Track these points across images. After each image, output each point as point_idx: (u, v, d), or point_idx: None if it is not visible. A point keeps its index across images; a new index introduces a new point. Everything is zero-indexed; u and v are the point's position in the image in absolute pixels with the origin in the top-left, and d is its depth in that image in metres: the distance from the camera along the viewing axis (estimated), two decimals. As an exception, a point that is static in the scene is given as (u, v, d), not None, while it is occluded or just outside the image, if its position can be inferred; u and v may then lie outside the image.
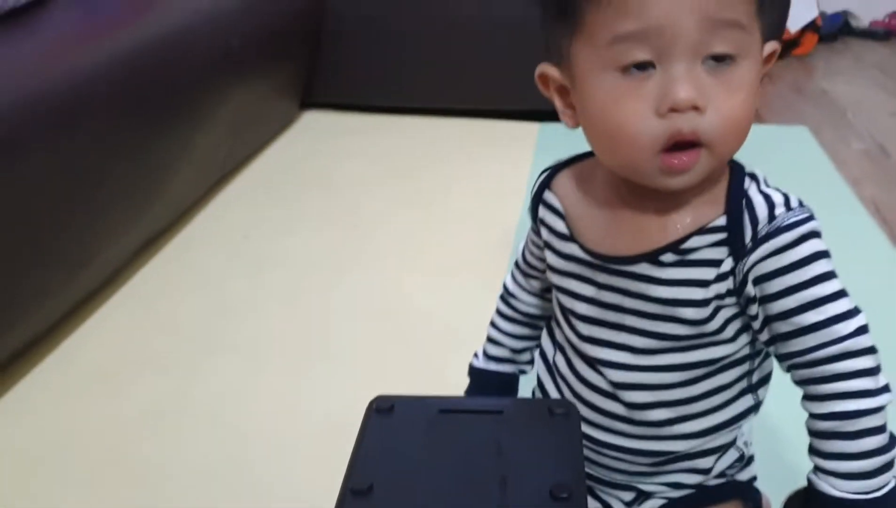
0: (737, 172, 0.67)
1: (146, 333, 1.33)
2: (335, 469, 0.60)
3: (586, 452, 0.76)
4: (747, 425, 0.78)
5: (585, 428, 0.73)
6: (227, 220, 1.71)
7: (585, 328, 0.72)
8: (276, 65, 2.05)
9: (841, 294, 0.65)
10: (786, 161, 2.02)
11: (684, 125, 0.60)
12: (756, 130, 1.85)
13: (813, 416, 0.67)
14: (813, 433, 0.67)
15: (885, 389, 0.65)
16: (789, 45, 3.02)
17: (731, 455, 0.77)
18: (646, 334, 0.69)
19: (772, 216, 0.64)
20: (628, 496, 0.78)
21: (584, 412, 0.74)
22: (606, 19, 0.59)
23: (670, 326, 0.68)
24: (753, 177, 0.68)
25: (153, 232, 1.53)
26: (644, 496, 0.78)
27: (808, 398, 0.67)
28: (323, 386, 1.18)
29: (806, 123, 2.32)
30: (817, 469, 0.67)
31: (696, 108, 0.59)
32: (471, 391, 0.86)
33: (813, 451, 0.67)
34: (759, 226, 0.64)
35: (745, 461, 0.80)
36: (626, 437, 0.74)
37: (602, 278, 0.70)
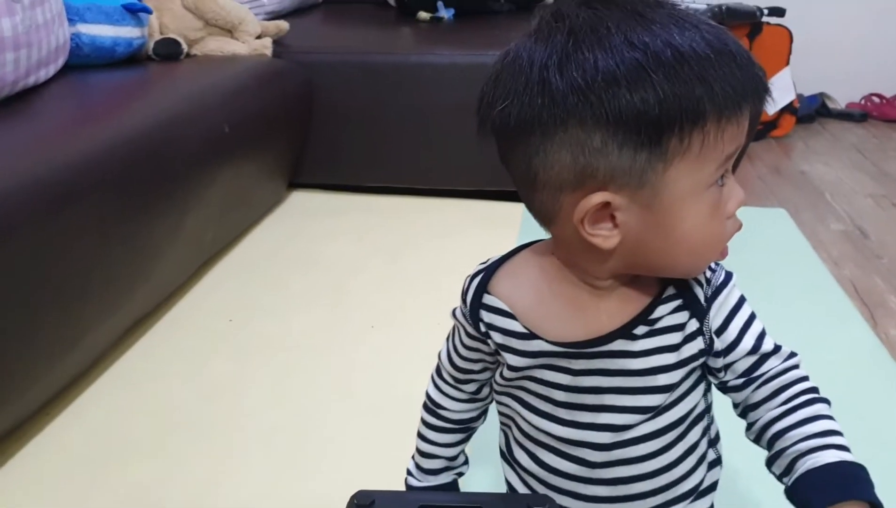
0: None
1: (131, 417, 1.32)
2: None
3: None
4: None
5: None
6: (213, 303, 1.72)
7: (566, 414, 0.74)
8: (266, 147, 2.08)
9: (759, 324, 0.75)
10: (765, 243, 2.06)
11: (738, 223, 0.70)
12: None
13: (793, 408, 0.72)
14: (794, 425, 0.71)
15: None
16: (768, 127, 3.10)
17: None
18: (626, 409, 0.72)
19: (707, 279, 0.72)
20: None
21: (564, 500, 0.75)
22: (724, 143, 0.63)
23: (648, 398, 0.72)
24: None
25: (139, 314, 1.54)
26: None
27: (783, 402, 0.72)
28: (308, 475, 1.18)
29: (785, 204, 2.36)
30: (813, 450, 0.69)
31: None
32: None
33: (801, 440, 0.70)
34: (705, 288, 0.72)
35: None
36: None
37: (579, 364, 0.72)
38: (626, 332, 0.70)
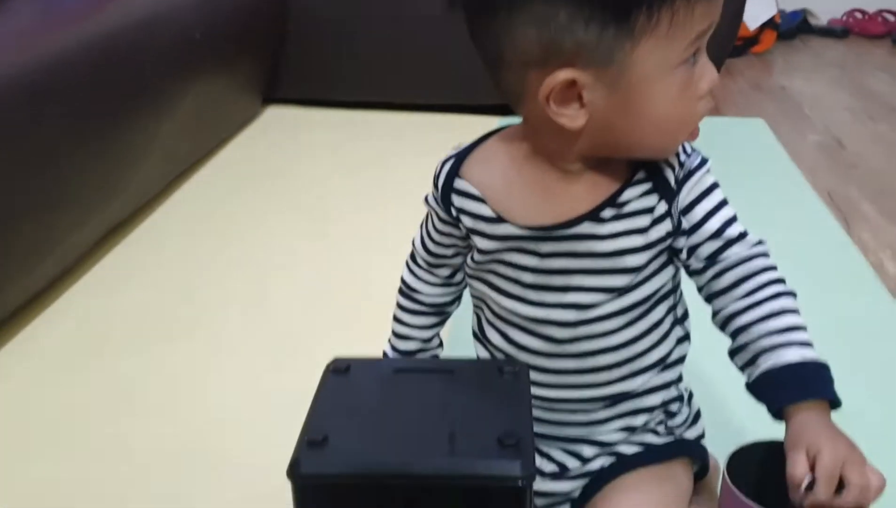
0: None
1: (109, 319, 1.33)
2: (283, 458, 0.61)
3: (539, 413, 0.78)
4: (685, 373, 0.83)
5: (536, 390, 0.75)
6: (190, 211, 1.71)
7: (533, 295, 0.75)
8: (239, 59, 2.05)
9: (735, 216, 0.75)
10: (742, 152, 2.06)
11: (711, 102, 0.70)
12: (713, 122, 1.92)
13: (758, 302, 0.71)
14: (759, 320, 0.71)
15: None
16: (749, 43, 3.08)
17: (671, 393, 0.80)
18: (592, 289, 0.73)
19: (679, 160, 0.72)
20: (589, 451, 0.80)
21: (533, 375, 0.76)
22: (693, 20, 0.63)
23: (615, 278, 0.72)
24: None
25: (117, 220, 1.53)
26: (601, 446, 0.80)
27: (747, 293, 0.72)
28: (287, 368, 1.19)
29: (764, 117, 2.36)
30: (776, 347, 0.70)
31: None
32: None
33: (765, 335, 0.71)
34: (677, 171, 0.72)
35: (690, 417, 0.83)
36: (577, 388, 0.77)
37: (546, 247, 0.72)
38: (593, 215, 0.71)
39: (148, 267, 1.50)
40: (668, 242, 0.72)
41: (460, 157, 0.77)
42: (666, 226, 0.72)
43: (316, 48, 2.29)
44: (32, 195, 1.23)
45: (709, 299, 0.75)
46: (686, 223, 0.72)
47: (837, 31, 3.34)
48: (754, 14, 2.99)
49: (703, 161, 0.73)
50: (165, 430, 1.07)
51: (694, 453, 0.83)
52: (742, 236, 0.73)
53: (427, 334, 0.88)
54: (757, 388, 0.71)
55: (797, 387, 0.68)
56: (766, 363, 0.70)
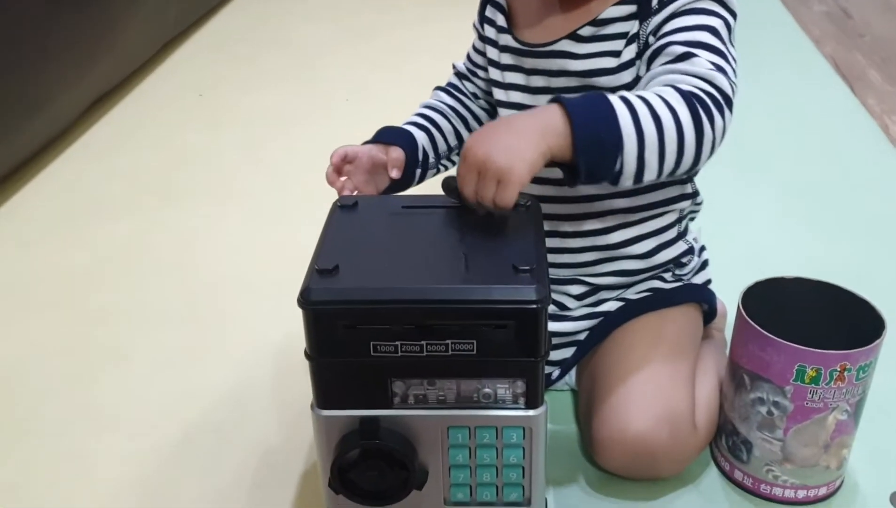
0: None
1: (103, 182, 1.31)
2: (290, 307, 0.59)
3: None
4: (693, 224, 0.83)
5: None
6: (182, 78, 1.68)
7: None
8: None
9: (717, 51, 0.66)
10: (750, 20, 2.00)
11: None
12: None
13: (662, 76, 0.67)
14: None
15: (724, 104, 0.65)
16: (753, -87, 2.98)
17: (679, 247, 0.80)
18: None
19: None
20: (577, 289, 0.80)
21: None
22: None
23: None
24: None
25: (105, 86, 1.50)
26: (594, 289, 0.80)
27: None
28: (283, 226, 1.18)
29: (770, -14, 2.31)
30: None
31: None
32: (371, 140, 0.82)
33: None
34: None
35: (698, 264, 0.83)
36: (562, 220, 0.77)
37: (529, 63, 0.75)
38: (573, 33, 0.71)
39: (137, 133, 1.47)
40: (637, 66, 0.70)
41: None
42: (634, 48, 0.70)
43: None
44: (15, 51, 1.19)
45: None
46: (653, 38, 0.69)
47: None
48: None
49: None
50: (166, 289, 1.06)
51: (702, 297, 0.83)
52: (689, 56, 0.66)
53: (429, 126, 0.85)
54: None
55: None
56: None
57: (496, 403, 0.60)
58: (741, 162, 1.33)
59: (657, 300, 0.80)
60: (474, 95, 0.87)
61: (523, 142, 0.60)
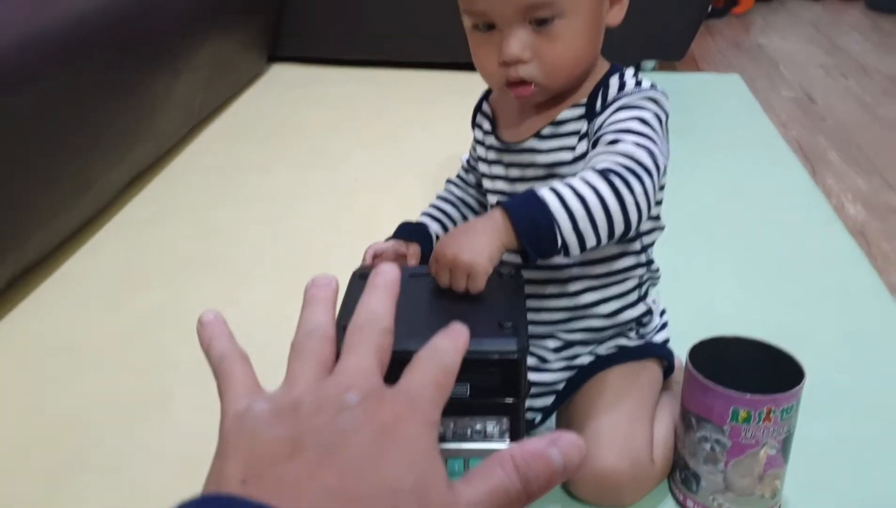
0: (612, 69, 0.89)
1: (140, 253, 1.46)
2: None
3: None
4: (654, 289, 0.98)
5: None
6: (206, 159, 1.84)
7: (503, 199, 0.91)
8: (246, 18, 2.18)
9: (646, 137, 0.81)
10: (719, 105, 2.20)
11: (513, 73, 0.84)
12: (691, 78, 2.13)
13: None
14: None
15: (645, 176, 0.78)
16: (730, 4, 3.20)
17: (639, 309, 0.95)
18: None
19: (621, 89, 0.86)
20: (553, 343, 0.95)
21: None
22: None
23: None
24: (621, 73, 0.88)
25: (141, 167, 1.66)
26: (567, 344, 0.95)
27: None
28: (301, 295, 1.33)
29: (741, 74, 2.49)
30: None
31: (521, 60, 0.83)
32: (394, 235, 1.01)
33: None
34: (609, 98, 0.86)
35: (658, 325, 0.98)
36: (539, 284, 0.92)
37: (507, 158, 0.93)
38: (537, 133, 0.89)
39: (172, 208, 1.63)
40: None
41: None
42: (585, 143, 0.86)
43: (317, 8, 2.41)
44: (71, 137, 1.36)
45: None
46: (591, 128, 0.85)
47: (815, -7, 3.46)
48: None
49: (644, 91, 0.85)
50: (196, 356, 1.20)
51: (662, 353, 0.98)
52: (616, 141, 0.80)
53: (443, 218, 1.04)
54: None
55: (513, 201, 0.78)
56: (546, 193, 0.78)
57: (486, 437, 0.74)
58: (705, 237, 1.49)
59: (623, 355, 0.95)
60: (477, 184, 1.03)
61: (482, 240, 0.75)
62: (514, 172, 0.93)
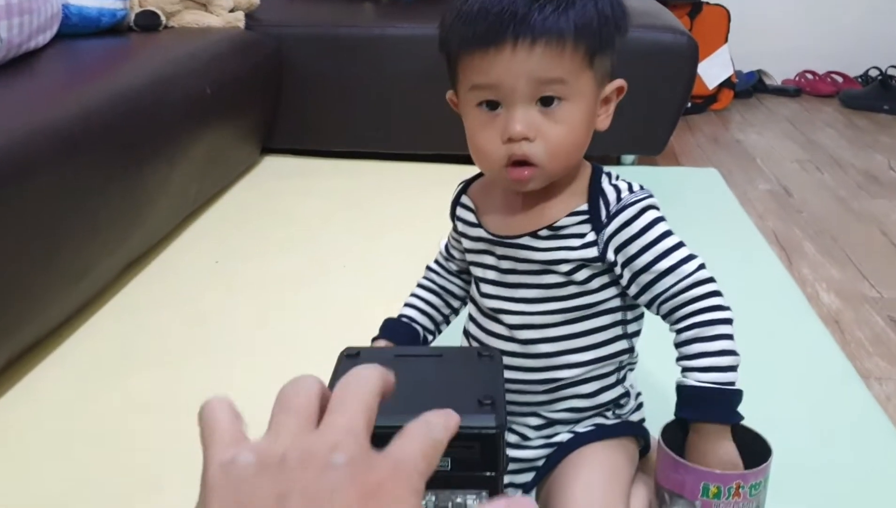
0: (595, 172, 0.95)
1: (134, 338, 1.50)
2: None
3: None
4: (632, 373, 1.02)
5: None
6: (200, 248, 1.89)
7: (492, 289, 0.97)
8: (242, 111, 2.25)
9: (680, 245, 0.92)
10: (696, 199, 2.27)
11: (517, 150, 0.86)
12: (670, 172, 2.21)
13: (679, 331, 0.91)
14: (679, 344, 0.91)
15: (729, 308, 0.91)
16: (708, 101, 3.32)
17: (617, 391, 0.99)
18: (534, 286, 0.94)
19: (619, 198, 0.91)
20: (534, 421, 0.99)
21: None
22: (469, 74, 0.88)
23: (550, 277, 0.93)
24: (608, 175, 0.95)
25: (137, 254, 1.71)
26: (549, 423, 0.99)
27: (674, 322, 0.92)
28: (294, 374, 1.36)
29: (719, 167, 2.56)
30: (684, 370, 0.90)
31: (526, 138, 0.86)
32: (380, 335, 1.07)
33: (680, 358, 0.91)
34: (611, 207, 0.91)
35: (634, 406, 1.02)
36: (522, 371, 0.96)
37: (500, 250, 0.96)
38: (533, 233, 0.92)
39: (165, 294, 1.67)
40: (596, 263, 0.91)
41: (472, 179, 1.02)
42: (592, 251, 0.91)
43: (309, 102, 2.49)
44: (69, 225, 1.41)
45: (648, 307, 0.95)
46: (621, 257, 0.90)
47: (790, 91, 3.59)
48: (713, 74, 3.24)
49: (641, 198, 0.91)
50: (191, 428, 1.23)
51: (638, 432, 1.02)
52: (675, 267, 0.90)
53: (427, 308, 1.09)
54: (678, 394, 0.92)
55: (696, 408, 0.90)
56: (680, 378, 0.91)
57: (466, 510, 0.78)
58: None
59: (600, 433, 0.99)
60: (458, 272, 1.08)
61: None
62: (507, 265, 0.95)
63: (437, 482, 0.77)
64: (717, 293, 0.90)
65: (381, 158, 2.53)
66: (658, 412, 1.03)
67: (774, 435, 0.91)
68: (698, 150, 2.84)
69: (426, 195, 2.17)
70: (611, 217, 0.91)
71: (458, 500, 0.77)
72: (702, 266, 0.91)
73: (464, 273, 1.08)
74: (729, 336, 0.89)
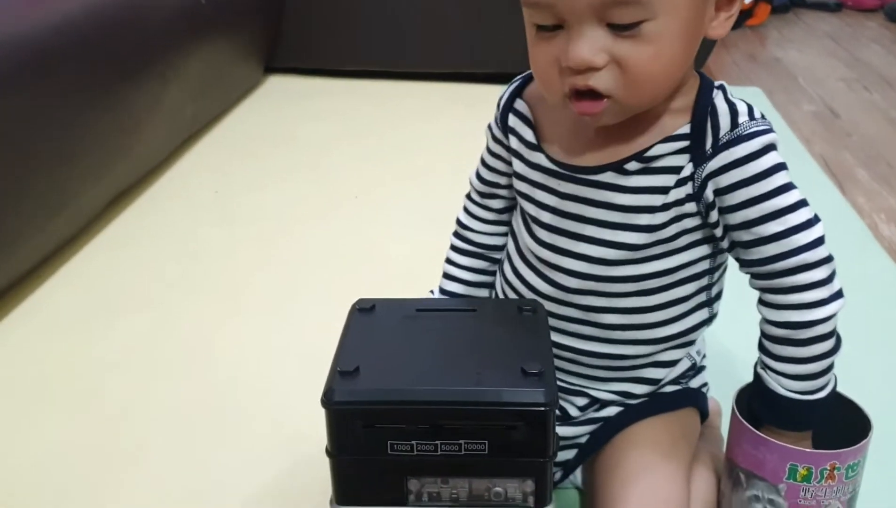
0: (705, 83, 0.72)
1: (121, 278, 1.35)
2: (310, 397, 0.64)
3: None
4: (700, 336, 0.84)
5: None
6: (197, 177, 1.74)
7: (546, 236, 0.77)
8: (242, 26, 2.08)
9: (801, 204, 0.69)
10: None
11: (578, 81, 0.66)
12: None
13: (767, 321, 0.72)
14: (766, 336, 0.73)
15: (838, 295, 0.70)
16: (743, 16, 3.10)
17: (683, 365, 0.82)
18: (603, 243, 0.74)
19: (734, 124, 0.69)
20: (581, 401, 0.82)
21: None
22: None
23: (627, 235, 0.73)
24: (721, 88, 0.72)
25: (125, 185, 1.55)
26: (596, 402, 0.82)
27: (764, 303, 0.73)
28: (297, 323, 1.22)
29: (759, 87, 2.39)
30: (767, 367, 0.73)
31: (592, 68, 0.64)
32: None
33: (764, 351, 0.73)
34: (721, 133, 0.69)
35: (696, 369, 0.86)
36: (580, 338, 0.78)
37: (565, 187, 0.74)
38: (617, 166, 0.71)
39: (155, 229, 1.52)
40: (687, 206, 0.71)
41: (527, 79, 0.79)
42: (686, 189, 0.70)
43: (316, 16, 2.32)
44: (42, 152, 1.25)
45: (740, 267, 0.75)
46: (720, 201, 0.70)
47: (830, 5, 3.37)
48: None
49: (758, 134, 0.69)
50: (184, 383, 1.09)
51: (698, 402, 0.86)
52: (781, 236, 0.69)
53: (473, 277, 0.88)
54: (756, 385, 0.75)
55: (777, 415, 0.73)
56: (766, 378, 0.73)
57: (507, 501, 0.64)
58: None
59: (655, 406, 0.82)
60: (500, 211, 0.86)
61: None
62: (572, 207, 0.74)
63: (472, 469, 0.63)
64: (826, 282, 0.70)
65: (395, 78, 2.35)
66: (724, 369, 0.88)
67: (869, 403, 0.76)
68: (735, 68, 2.65)
69: (444, 117, 2.04)
70: (718, 148, 0.69)
71: (498, 489, 0.64)
72: (818, 241, 0.70)
73: (508, 211, 0.86)
74: (827, 336, 0.70)
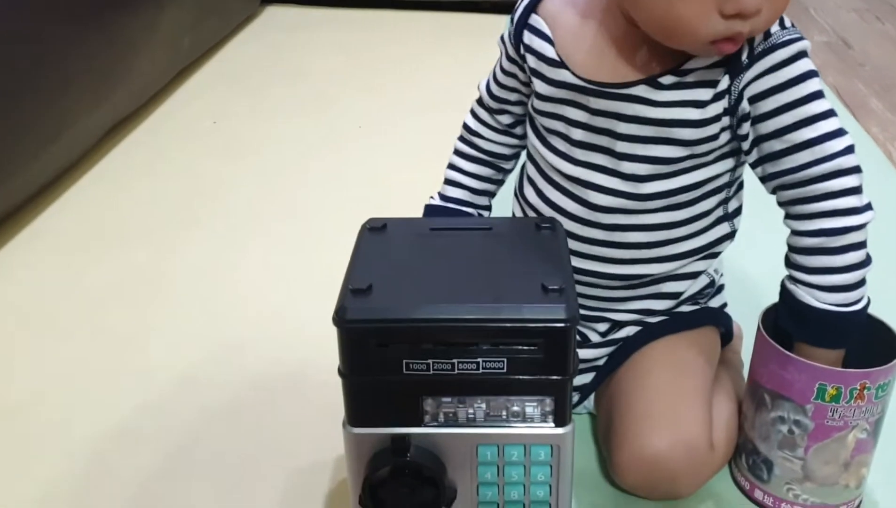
0: None
1: (118, 210, 1.32)
2: (319, 321, 0.61)
3: None
4: (721, 253, 0.81)
5: None
6: (195, 108, 1.70)
7: (580, 153, 0.74)
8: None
9: (831, 113, 0.68)
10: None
11: (744, 28, 0.63)
12: None
13: (798, 233, 0.70)
14: (796, 250, 0.70)
15: (868, 207, 0.68)
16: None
17: (702, 281, 0.81)
18: (636, 158, 0.72)
19: (767, 34, 0.67)
20: (602, 327, 0.81)
21: None
22: None
23: (663, 148, 0.71)
24: None
25: (121, 114, 1.51)
26: (617, 325, 0.81)
27: (793, 217, 0.70)
28: (301, 250, 1.20)
29: (770, 17, 2.34)
30: (797, 281, 0.70)
31: (761, 9, 0.62)
32: None
33: (794, 266, 0.71)
34: (756, 43, 0.67)
35: (715, 288, 0.84)
36: (602, 261, 0.77)
37: (596, 103, 0.71)
38: (651, 79, 0.69)
39: (156, 160, 1.49)
40: (723, 121, 0.70)
41: None
42: (723, 103, 0.69)
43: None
44: (35, 77, 1.20)
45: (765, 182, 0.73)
46: (755, 110, 0.68)
47: (841, -66, 3.28)
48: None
49: (793, 41, 0.67)
50: (188, 312, 1.07)
51: (719, 321, 0.84)
52: (813, 143, 0.67)
53: (477, 184, 0.86)
54: (785, 302, 0.72)
55: (810, 331, 0.71)
56: (797, 291, 0.70)
57: (525, 421, 0.62)
58: (757, 189, 1.35)
59: (674, 324, 0.80)
60: (509, 126, 0.84)
61: None
62: (603, 123, 0.72)
63: (489, 387, 0.61)
64: (856, 191, 0.68)
65: (397, 7, 2.30)
66: (745, 294, 0.85)
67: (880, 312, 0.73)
68: (743, -1, 2.59)
69: (449, 47, 2.00)
70: (754, 57, 0.67)
71: (516, 409, 0.62)
72: (849, 149, 0.68)
73: (518, 125, 0.84)
74: (860, 246, 0.69)
